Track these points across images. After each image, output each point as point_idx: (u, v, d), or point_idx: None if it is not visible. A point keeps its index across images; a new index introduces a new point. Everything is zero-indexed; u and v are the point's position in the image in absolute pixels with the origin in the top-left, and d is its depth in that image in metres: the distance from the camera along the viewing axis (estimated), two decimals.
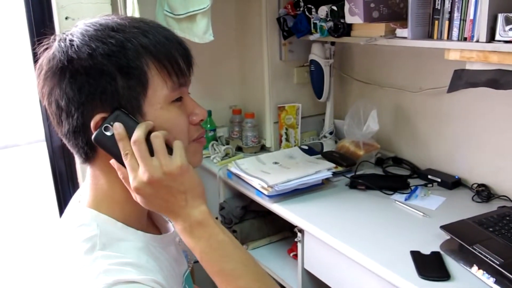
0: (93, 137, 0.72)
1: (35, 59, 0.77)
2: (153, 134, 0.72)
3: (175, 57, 0.75)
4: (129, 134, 0.72)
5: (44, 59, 0.73)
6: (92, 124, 0.72)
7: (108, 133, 0.72)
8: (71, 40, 0.71)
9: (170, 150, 0.74)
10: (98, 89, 0.70)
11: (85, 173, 1.83)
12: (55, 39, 0.74)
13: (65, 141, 0.77)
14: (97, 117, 0.71)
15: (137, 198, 0.74)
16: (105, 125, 0.71)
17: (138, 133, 0.71)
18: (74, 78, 0.70)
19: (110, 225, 0.76)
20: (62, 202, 1.93)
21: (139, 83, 0.72)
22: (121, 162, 0.73)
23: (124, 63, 0.70)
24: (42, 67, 0.73)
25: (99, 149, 0.75)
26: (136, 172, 0.72)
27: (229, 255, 0.75)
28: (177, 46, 0.76)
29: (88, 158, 0.76)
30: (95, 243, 0.71)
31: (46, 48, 0.75)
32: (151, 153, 0.72)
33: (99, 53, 0.69)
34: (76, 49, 0.70)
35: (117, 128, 0.71)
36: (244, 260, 0.76)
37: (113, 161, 0.74)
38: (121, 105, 0.72)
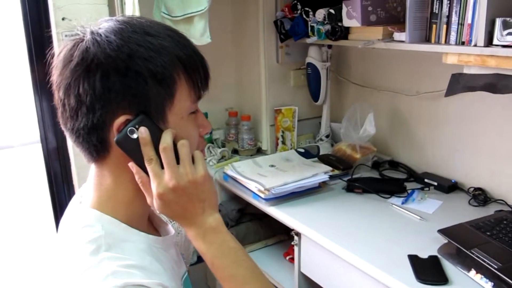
0: (116, 137, 0.72)
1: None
2: (180, 143, 0.75)
3: (201, 72, 0.77)
4: (152, 139, 0.73)
5: (76, 50, 0.71)
6: (115, 124, 0.71)
7: (133, 136, 0.72)
8: (107, 37, 0.70)
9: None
10: (131, 91, 0.70)
11: (81, 175, 1.81)
12: (84, 32, 0.73)
13: (72, 136, 0.75)
14: (121, 118, 0.71)
15: (155, 203, 0.75)
16: (131, 128, 0.71)
17: (168, 140, 0.73)
18: (107, 76, 0.69)
19: (114, 226, 0.76)
20: (57, 204, 1.91)
21: (168, 91, 0.73)
22: (140, 165, 0.74)
23: (160, 70, 0.71)
24: (73, 58, 0.70)
25: (113, 149, 0.74)
26: (160, 178, 0.73)
27: (240, 262, 0.78)
28: (202, 61, 0.78)
29: (99, 156, 0.76)
30: (100, 244, 0.71)
31: (76, 40, 0.72)
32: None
33: (138, 56, 0.70)
34: (116, 48, 0.69)
35: (143, 133, 0.72)
36: (253, 267, 0.80)
37: (131, 164, 0.74)
38: (147, 109, 0.72)
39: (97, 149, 0.74)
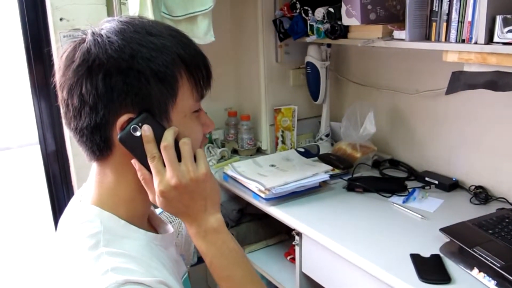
0: (119, 135, 0.73)
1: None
2: (181, 141, 0.75)
3: (203, 71, 0.78)
4: (155, 137, 0.74)
5: (77, 51, 0.72)
6: (118, 123, 0.72)
7: (136, 134, 0.73)
8: (108, 37, 0.71)
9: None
10: (133, 90, 0.71)
11: (80, 177, 1.80)
12: (85, 33, 0.74)
13: (76, 135, 0.76)
14: (124, 117, 0.72)
15: (158, 200, 0.76)
16: (134, 125, 0.72)
17: (169, 138, 0.74)
18: (109, 76, 0.70)
19: (113, 222, 0.76)
20: (56, 205, 1.90)
21: (171, 90, 0.73)
22: (143, 163, 0.75)
23: (162, 69, 0.72)
24: (75, 59, 0.71)
25: (115, 148, 0.75)
26: (162, 176, 0.74)
27: (238, 263, 0.80)
28: (204, 60, 0.79)
29: (102, 155, 0.76)
30: (99, 239, 0.72)
31: (77, 42, 0.73)
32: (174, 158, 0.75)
33: (140, 56, 0.70)
34: (117, 48, 0.70)
35: (146, 131, 0.73)
36: (250, 270, 0.82)
37: (134, 161, 0.75)
38: (150, 108, 0.73)
39: (100, 148, 0.75)
